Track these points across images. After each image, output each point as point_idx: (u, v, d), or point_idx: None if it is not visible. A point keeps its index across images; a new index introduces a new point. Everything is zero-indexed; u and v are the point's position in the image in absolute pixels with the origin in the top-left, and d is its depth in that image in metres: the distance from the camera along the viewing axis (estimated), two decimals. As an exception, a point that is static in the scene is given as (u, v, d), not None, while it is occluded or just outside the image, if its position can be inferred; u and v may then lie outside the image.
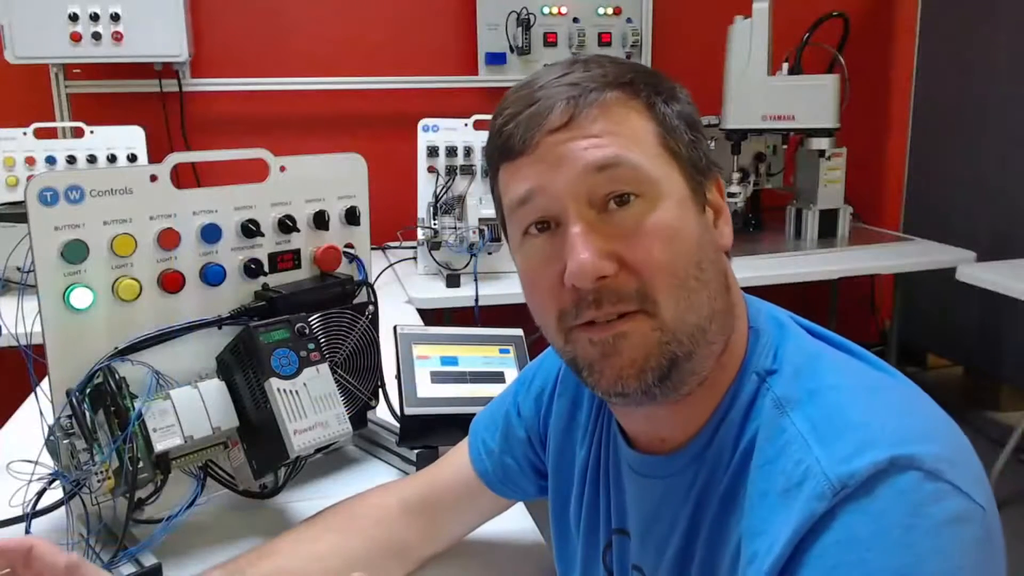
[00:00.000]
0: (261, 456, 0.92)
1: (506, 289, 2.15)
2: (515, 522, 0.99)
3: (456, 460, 0.90)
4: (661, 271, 0.59)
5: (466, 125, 2.36)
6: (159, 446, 0.85)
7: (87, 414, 0.85)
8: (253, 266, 0.99)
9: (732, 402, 0.63)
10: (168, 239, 0.92)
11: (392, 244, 2.51)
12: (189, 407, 0.88)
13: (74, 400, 0.85)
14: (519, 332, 1.17)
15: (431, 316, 2.08)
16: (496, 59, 2.87)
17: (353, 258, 1.09)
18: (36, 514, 0.88)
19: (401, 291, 2.16)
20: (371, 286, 1.09)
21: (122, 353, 0.88)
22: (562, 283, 0.60)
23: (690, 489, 0.64)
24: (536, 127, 0.61)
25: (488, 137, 0.66)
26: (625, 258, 0.59)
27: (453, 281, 2.18)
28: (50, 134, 2.43)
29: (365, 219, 1.10)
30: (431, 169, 2.33)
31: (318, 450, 0.92)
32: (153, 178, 0.91)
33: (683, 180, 0.62)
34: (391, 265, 2.33)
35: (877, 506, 0.50)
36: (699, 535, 0.63)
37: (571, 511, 0.80)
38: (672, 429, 0.66)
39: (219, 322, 0.95)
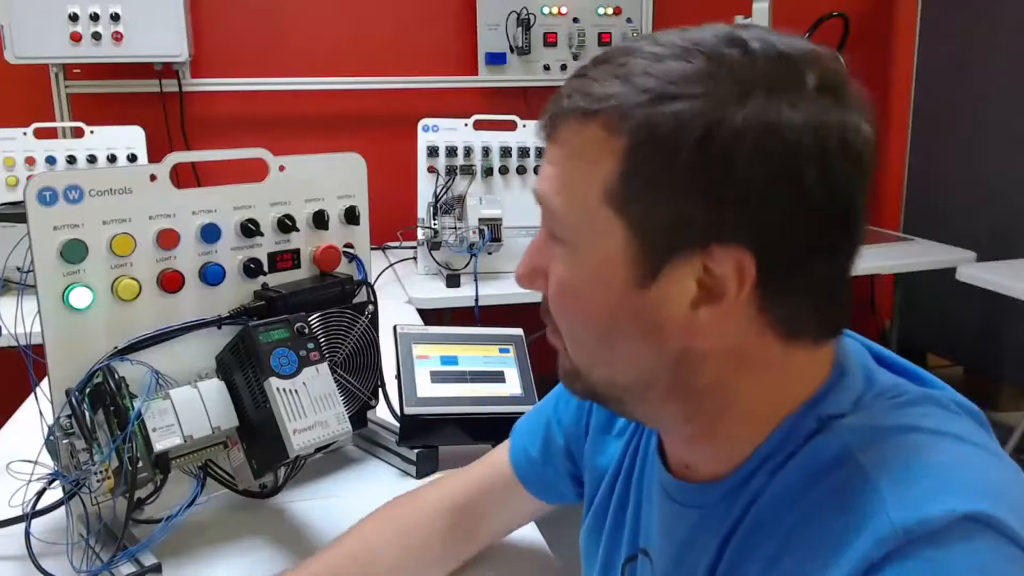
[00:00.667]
0: (261, 456, 0.92)
1: (506, 289, 2.15)
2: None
3: (498, 463, 0.89)
4: (560, 321, 0.59)
5: (466, 125, 2.35)
6: (159, 446, 0.85)
7: (87, 414, 0.85)
8: (252, 266, 0.99)
9: (783, 443, 0.55)
10: (167, 239, 0.92)
11: (392, 244, 2.51)
12: (189, 407, 0.88)
13: (74, 400, 0.85)
14: (519, 332, 1.17)
15: (431, 316, 2.08)
16: (496, 59, 2.87)
17: (353, 258, 1.09)
18: (36, 514, 0.88)
19: (401, 291, 2.16)
20: (371, 286, 1.09)
21: (122, 353, 0.88)
22: None
23: (722, 524, 0.58)
24: (539, 125, 0.59)
25: None
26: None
27: (453, 281, 2.18)
28: (50, 134, 2.43)
29: (365, 219, 1.10)
30: (431, 169, 2.33)
31: (318, 450, 0.91)
32: (152, 178, 0.91)
33: (623, 244, 0.52)
34: (391, 265, 2.33)
35: (943, 557, 0.45)
36: (720, 565, 0.58)
37: (596, 514, 0.78)
38: (698, 460, 0.62)
39: (219, 322, 0.95)
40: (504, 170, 2.41)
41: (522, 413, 1.09)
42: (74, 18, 2.40)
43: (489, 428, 1.10)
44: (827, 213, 0.50)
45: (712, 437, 0.59)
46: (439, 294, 2.17)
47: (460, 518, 0.88)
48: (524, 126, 2.44)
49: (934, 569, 0.44)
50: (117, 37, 2.43)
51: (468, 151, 2.35)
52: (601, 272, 0.54)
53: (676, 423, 0.60)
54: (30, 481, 0.88)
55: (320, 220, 1.05)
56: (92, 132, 2.41)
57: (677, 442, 0.63)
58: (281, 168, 1.02)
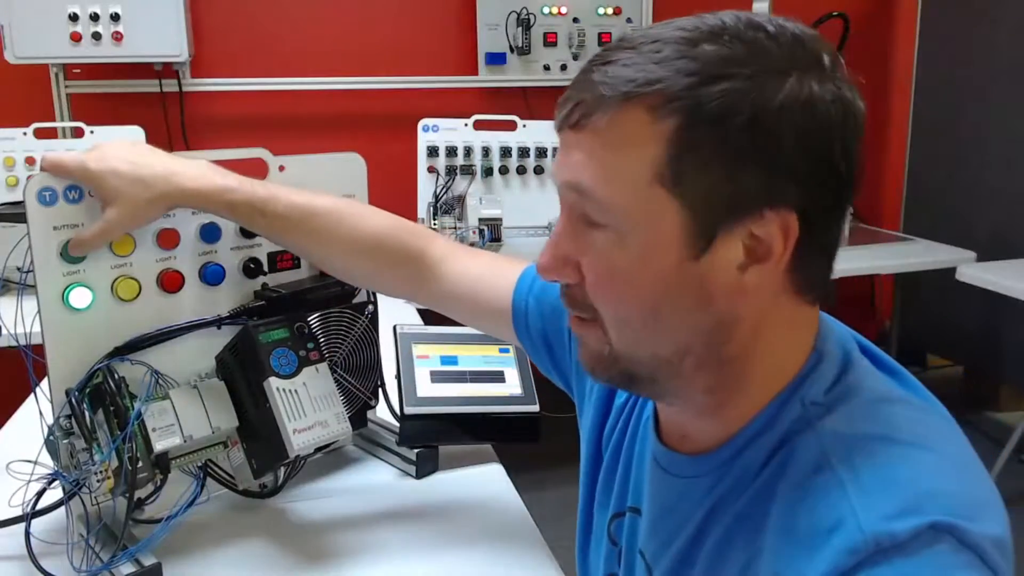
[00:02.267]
0: (261, 455, 0.92)
1: (506, 289, 2.15)
2: (516, 523, 0.99)
3: (505, 283, 0.91)
4: (605, 307, 0.59)
5: (466, 125, 2.36)
6: (159, 446, 0.85)
7: (86, 414, 0.85)
8: (252, 265, 0.99)
9: (770, 423, 0.60)
10: (167, 239, 0.92)
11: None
12: (189, 407, 0.88)
13: (73, 400, 0.85)
14: (519, 332, 1.17)
15: (431, 316, 2.08)
16: (496, 59, 2.87)
17: (353, 258, 1.09)
18: (36, 514, 0.87)
19: (401, 291, 2.16)
20: (371, 286, 1.09)
21: (122, 353, 0.88)
22: None
23: (706, 495, 0.63)
24: (562, 116, 0.58)
25: None
26: (584, 275, 0.59)
27: (453, 281, 2.18)
28: (50, 134, 2.43)
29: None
30: (431, 169, 2.33)
31: (318, 449, 0.92)
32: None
33: (678, 220, 0.55)
34: (391, 265, 2.33)
35: (907, 564, 0.49)
36: (704, 544, 0.62)
37: (587, 470, 0.81)
38: (698, 431, 0.65)
39: (218, 322, 0.95)
40: (504, 170, 2.41)
41: (522, 413, 1.09)
42: (74, 18, 2.40)
43: (489, 428, 1.10)
44: (847, 178, 0.56)
45: (722, 408, 0.61)
46: (439, 294, 2.17)
47: (445, 273, 0.93)
48: (524, 126, 2.44)
49: (899, 574, 0.49)
50: (117, 37, 2.43)
51: (468, 151, 2.35)
52: (653, 251, 0.56)
53: (697, 395, 0.61)
54: (30, 481, 0.88)
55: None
56: (92, 132, 2.41)
57: (686, 415, 0.65)
58: (281, 168, 1.02)
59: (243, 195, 0.88)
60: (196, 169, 0.87)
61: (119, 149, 0.86)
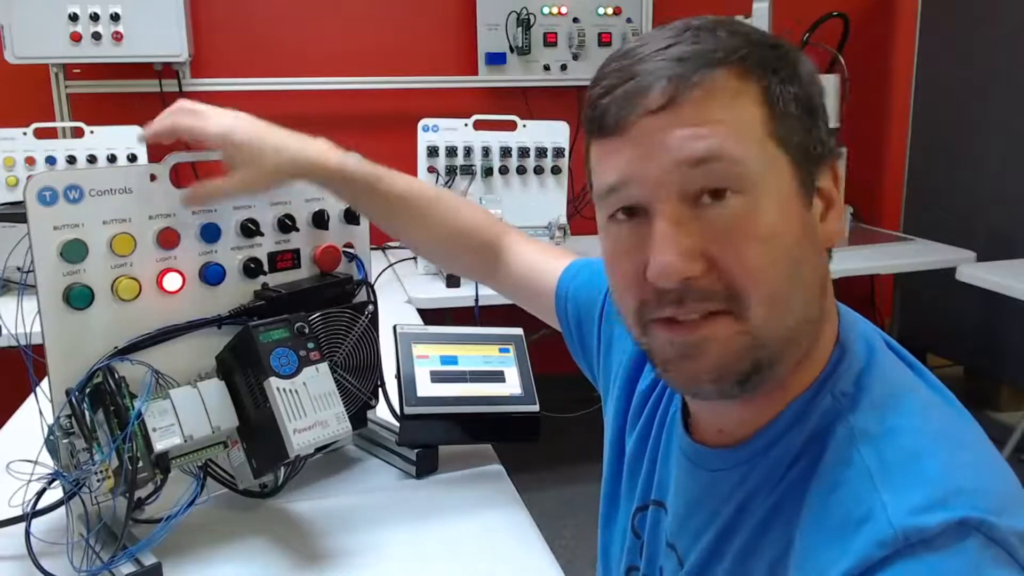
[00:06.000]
0: (261, 455, 0.92)
1: (506, 289, 2.15)
2: (516, 523, 0.99)
3: (552, 272, 0.98)
4: (754, 275, 0.55)
5: (466, 125, 2.36)
6: (159, 446, 0.85)
7: (87, 414, 0.85)
8: (253, 265, 0.99)
9: (800, 416, 0.59)
10: (167, 239, 0.92)
11: (392, 244, 2.51)
12: (189, 407, 0.88)
13: (74, 400, 0.85)
14: (519, 331, 1.17)
15: (431, 316, 2.08)
16: (496, 59, 2.87)
17: (353, 257, 1.09)
18: (36, 514, 0.87)
19: (401, 291, 2.16)
20: (371, 285, 1.10)
21: (122, 353, 0.88)
22: (644, 275, 0.57)
23: (736, 488, 0.62)
24: (632, 107, 0.56)
25: (584, 104, 0.61)
26: (716, 258, 0.55)
27: (453, 281, 2.18)
28: (50, 134, 2.43)
29: (365, 219, 1.10)
30: (431, 169, 2.33)
31: (318, 449, 0.92)
32: (152, 177, 0.91)
33: (791, 173, 0.57)
34: (391, 265, 2.33)
35: (937, 560, 0.49)
36: (734, 538, 0.61)
37: (611, 462, 0.82)
38: (735, 424, 0.64)
39: (219, 321, 0.95)
40: (504, 170, 2.41)
41: (522, 413, 1.09)
42: (74, 18, 2.40)
43: (489, 428, 1.10)
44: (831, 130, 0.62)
45: (781, 386, 0.60)
46: (439, 294, 2.17)
47: (503, 263, 1.03)
48: (524, 126, 2.44)
49: (930, 571, 0.49)
50: (117, 37, 2.43)
51: (468, 151, 2.35)
52: (786, 205, 0.57)
53: (791, 366, 0.60)
54: (30, 481, 0.88)
55: (320, 220, 1.05)
56: (92, 132, 2.41)
57: (723, 404, 0.63)
58: (281, 168, 1.02)
59: (360, 174, 0.95)
60: (317, 145, 0.95)
61: (245, 119, 0.92)
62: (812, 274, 0.59)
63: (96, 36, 2.41)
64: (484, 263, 1.04)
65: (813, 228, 0.59)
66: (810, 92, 0.59)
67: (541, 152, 2.43)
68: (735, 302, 0.56)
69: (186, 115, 0.90)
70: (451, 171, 2.32)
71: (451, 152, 2.32)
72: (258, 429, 0.90)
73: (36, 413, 0.88)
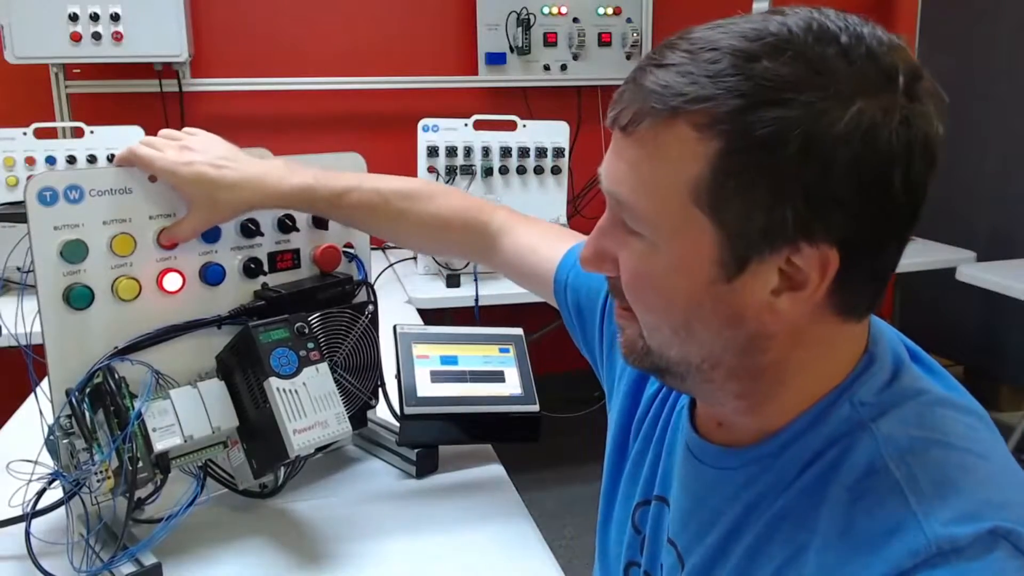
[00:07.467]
0: (261, 456, 0.92)
1: (506, 289, 2.15)
2: (516, 523, 0.99)
3: (552, 256, 0.98)
4: (635, 308, 0.60)
5: (466, 125, 2.36)
6: (159, 446, 0.85)
7: (87, 414, 0.85)
8: (253, 266, 0.99)
9: (816, 421, 0.59)
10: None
11: (392, 244, 2.52)
12: (189, 407, 0.88)
13: (74, 400, 0.85)
14: (519, 331, 1.17)
15: (431, 316, 2.09)
16: (496, 59, 2.87)
17: (353, 257, 1.09)
18: (36, 514, 0.87)
19: (401, 291, 2.16)
20: (371, 285, 1.09)
21: (122, 353, 0.88)
22: None
23: (743, 489, 0.62)
24: (611, 113, 0.58)
25: None
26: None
27: (453, 281, 2.18)
28: (50, 134, 2.43)
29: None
30: (431, 169, 2.33)
31: (318, 449, 0.92)
32: (153, 178, 0.91)
33: (712, 242, 0.53)
34: (391, 265, 2.33)
35: (966, 567, 0.50)
36: (741, 540, 0.61)
37: (614, 455, 0.82)
38: (734, 420, 0.64)
39: (219, 321, 0.95)
40: (504, 170, 2.41)
41: (522, 413, 1.09)
42: (74, 18, 2.40)
43: (489, 428, 1.10)
44: (906, 209, 0.54)
45: (758, 411, 0.61)
46: (439, 294, 2.17)
47: (503, 245, 1.03)
48: (524, 126, 2.44)
49: None
50: (117, 37, 2.43)
51: (468, 151, 2.35)
52: (684, 267, 0.55)
53: (729, 399, 0.61)
54: (30, 481, 0.88)
55: (320, 220, 1.05)
56: (92, 132, 2.41)
57: (720, 411, 0.65)
58: (281, 168, 1.02)
59: (320, 192, 0.95)
60: (276, 171, 0.94)
61: (207, 149, 0.93)
62: (710, 336, 0.57)
63: (96, 36, 2.41)
64: (475, 245, 1.05)
65: (725, 299, 0.55)
66: (800, 167, 0.50)
67: (541, 152, 2.43)
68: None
69: (144, 147, 0.91)
70: (451, 171, 2.32)
71: (451, 152, 2.32)
72: (258, 429, 0.90)
73: (36, 413, 0.88)
